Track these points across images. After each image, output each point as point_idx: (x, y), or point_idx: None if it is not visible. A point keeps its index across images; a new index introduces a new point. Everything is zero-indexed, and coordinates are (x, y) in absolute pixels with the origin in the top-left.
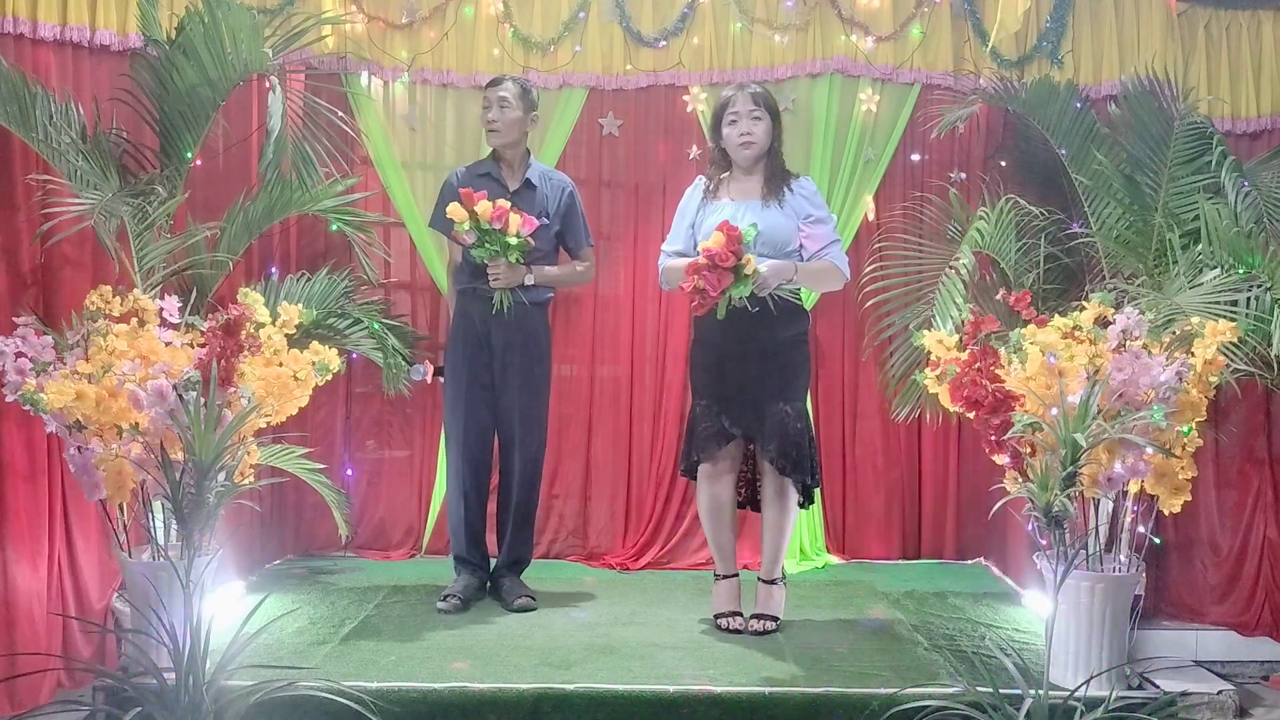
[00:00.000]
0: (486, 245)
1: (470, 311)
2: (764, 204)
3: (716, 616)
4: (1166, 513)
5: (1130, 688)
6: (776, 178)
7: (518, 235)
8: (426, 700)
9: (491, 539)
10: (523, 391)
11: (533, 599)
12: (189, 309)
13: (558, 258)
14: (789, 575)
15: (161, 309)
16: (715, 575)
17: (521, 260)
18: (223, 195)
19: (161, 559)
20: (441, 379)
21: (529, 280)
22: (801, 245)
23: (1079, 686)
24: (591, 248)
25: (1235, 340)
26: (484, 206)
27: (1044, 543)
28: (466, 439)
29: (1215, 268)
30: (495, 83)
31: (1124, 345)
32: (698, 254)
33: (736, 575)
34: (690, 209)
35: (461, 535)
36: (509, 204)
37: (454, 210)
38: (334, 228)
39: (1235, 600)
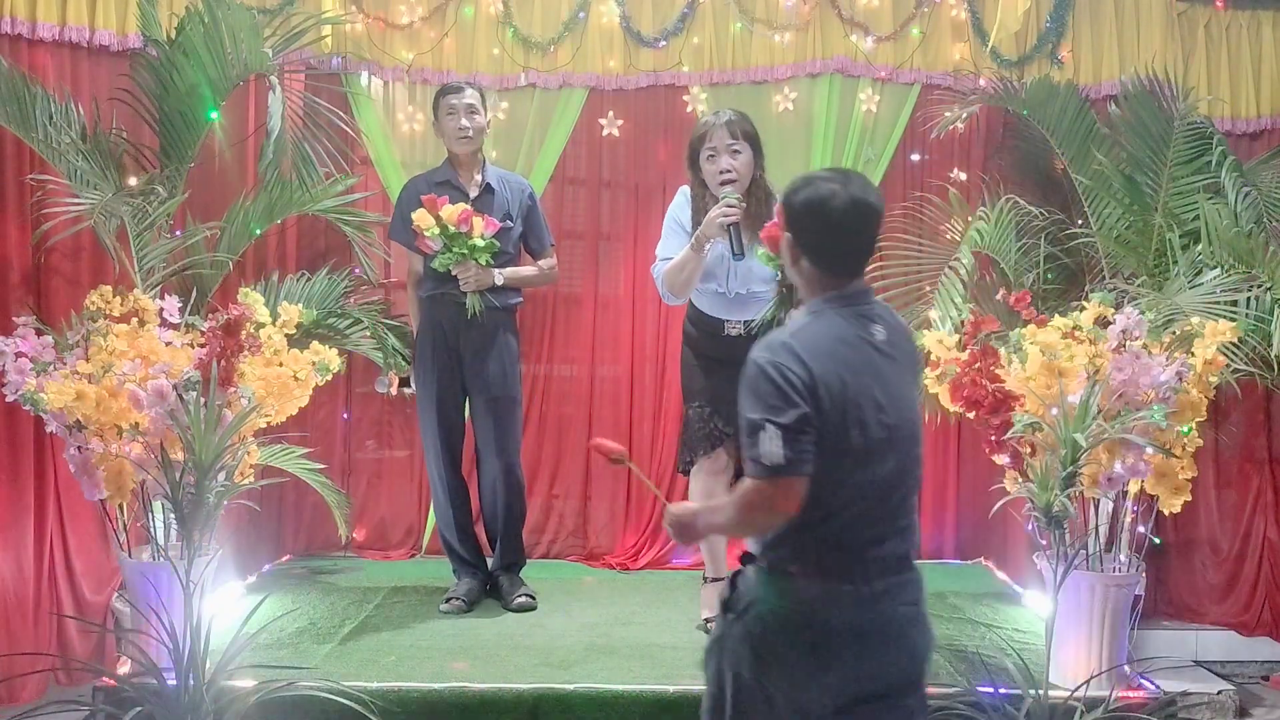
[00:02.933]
0: (454, 250)
1: (438, 319)
2: (750, 244)
3: (706, 620)
4: (1166, 513)
5: (1130, 688)
6: (762, 205)
7: (483, 237)
8: (426, 700)
9: (485, 537)
10: (495, 397)
11: (532, 597)
12: (189, 309)
13: (520, 260)
14: None
15: (161, 309)
16: (704, 578)
17: (490, 262)
18: (223, 195)
19: (161, 559)
20: (407, 390)
21: (499, 280)
22: None
23: (1079, 686)
24: (553, 247)
25: (1235, 340)
26: (449, 211)
27: (1044, 543)
28: (444, 446)
29: (1215, 268)
30: (456, 90)
31: (1124, 345)
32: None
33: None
34: (685, 220)
35: (455, 541)
36: (469, 207)
37: (420, 217)
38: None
39: (1235, 600)
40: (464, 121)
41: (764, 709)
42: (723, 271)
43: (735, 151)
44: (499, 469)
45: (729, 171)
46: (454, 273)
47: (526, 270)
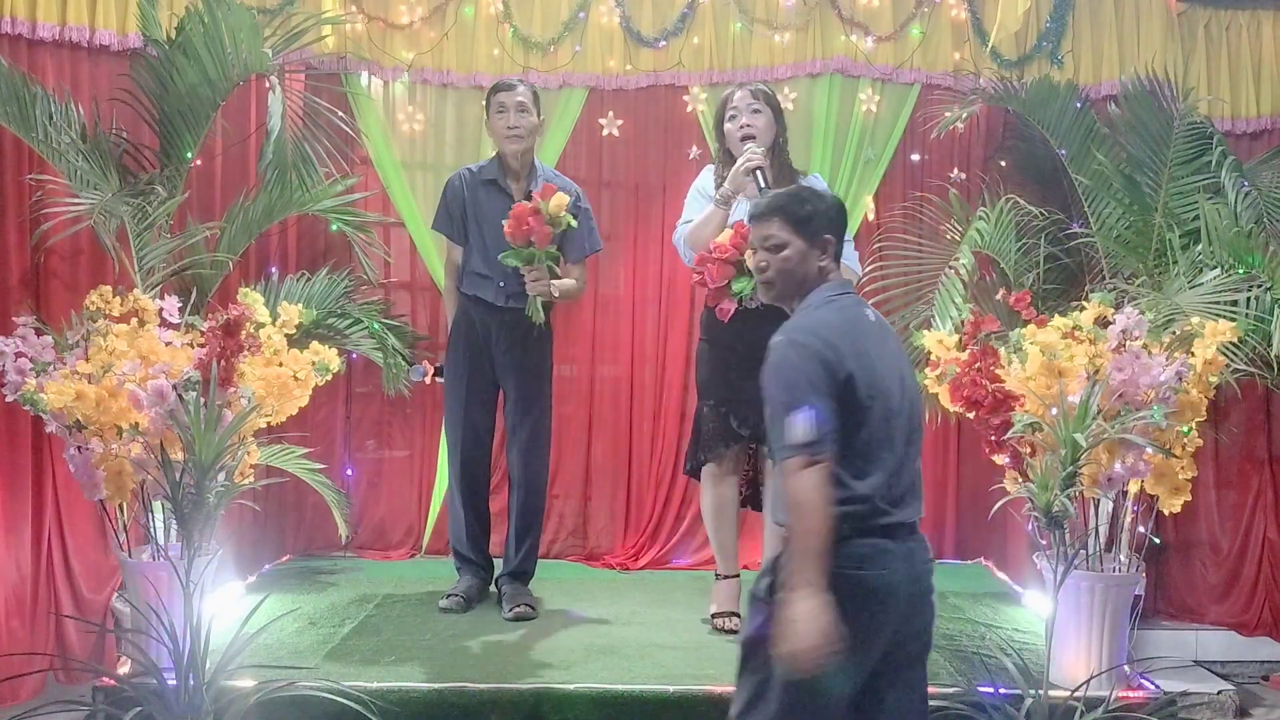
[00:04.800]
0: (543, 251)
1: (472, 315)
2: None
3: (713, 616)
4: (1166, 513)
5: (1130, 688)
6: (784, 177)
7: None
8: (426, 700)
9: (493, 539)
10: (524, 395)
11: (532, 608)
12: (189, 309)
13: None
14: None
15: (161, 309)
16: (716, 575)
17: (557, 274)
18: (223, 195)
19: (161, 559)
20: (440, 379)
21: (555, 293)
22: None
23: (1079, 686)
24: (586, 258)
25: (1235, 340)
26: (559, 200)
27: (1044, 543)
28: (465, 442)
29: (1215, 268)
30: (509, 87)
31: (1124, 345)
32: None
33: (737, 576)
34: (708, 192)
35: (462, 537)
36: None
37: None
38: (334, 227)
39: (1235, 600)
40: (514, 120)
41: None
42: None
43: (755, 111)
44: (520, 468)
45: (749, 127)
46: (525, 271)
47: (568, 283)
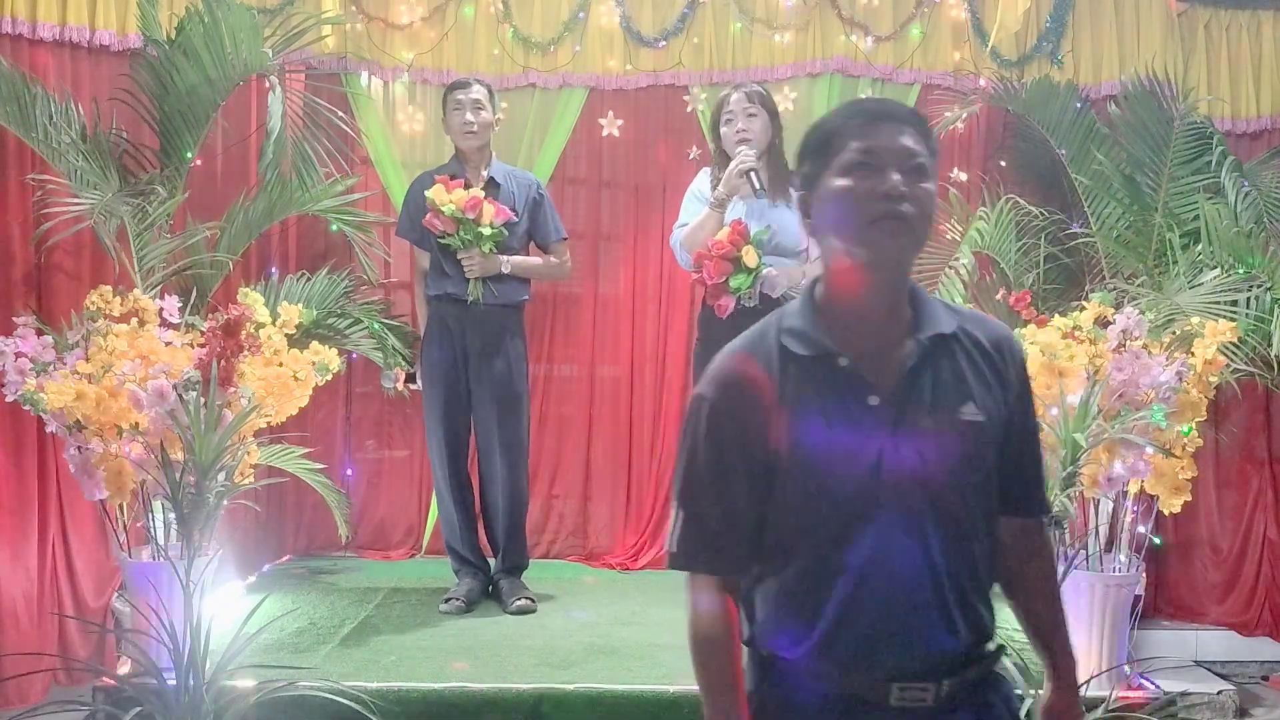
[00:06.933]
0: (460, 234)
1: (445, 316)
2: (771, 204)
3: None
4: (1166, 513)
5: (1130, 688)
6: (781, 177)
7: (491, 225)
8: (426, 700)
9: (485, 538)
10: (499, 397)
11: (532, 600)
12: (189, 309)
13: (528, 254)
14: None
15: (161, 309)
16: None
17: (495, 251)
18: (223, 195)
19: (161, 559)
20: (413, 385)
21: (505, 269)
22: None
23: (1079, 686)
24: (564, 241)
25: (1235, 340)
26: (458, 195)
27: None
28: (449, 446)
29: (1215, 268)
30: (464, 86)
31: (1124, 345)
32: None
33: None
34: (704, 195)
35: (457, 537)
36: (483, 194)
37: (436, 194)
38: (334, 228)
39: (1235, 600)
40: (469, 116)
41: None
42: None
43: (751, 115)
44: (501, 468)
45: (744, 131)
46: (459, 258)
47: (533, 261)
